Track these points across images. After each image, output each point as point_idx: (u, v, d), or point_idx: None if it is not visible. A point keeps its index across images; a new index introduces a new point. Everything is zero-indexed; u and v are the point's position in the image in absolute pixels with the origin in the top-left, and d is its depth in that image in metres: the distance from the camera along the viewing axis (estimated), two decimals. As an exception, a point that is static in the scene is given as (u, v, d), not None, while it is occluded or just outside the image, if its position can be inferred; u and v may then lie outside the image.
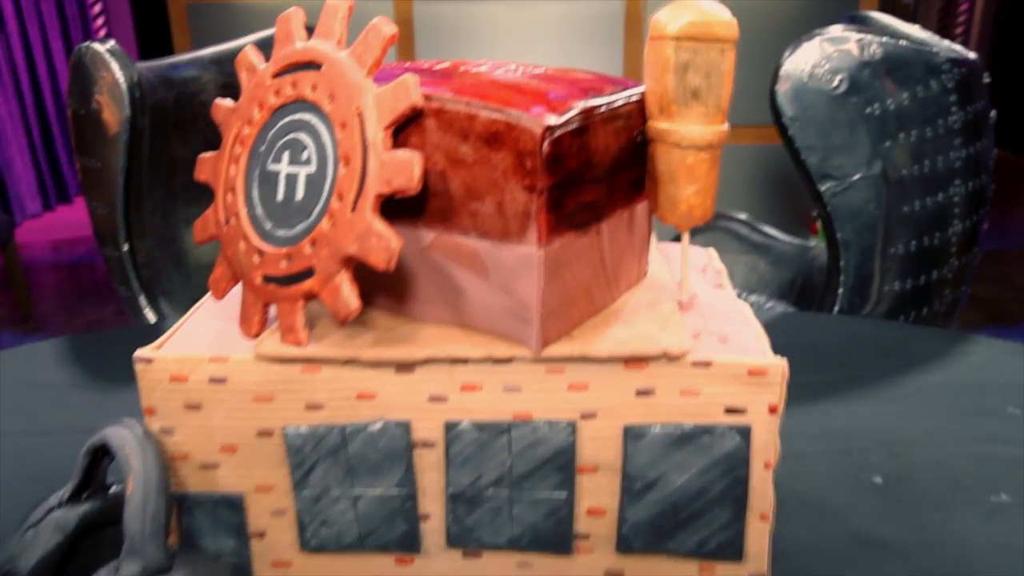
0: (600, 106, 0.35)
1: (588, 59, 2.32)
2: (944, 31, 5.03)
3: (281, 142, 0.38)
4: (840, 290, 0.93)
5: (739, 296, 0.49)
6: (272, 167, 0.38)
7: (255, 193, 0.39)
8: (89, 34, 3.47)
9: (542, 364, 0.35)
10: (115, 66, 0.85)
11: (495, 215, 0.34)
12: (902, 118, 0.87)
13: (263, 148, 0.39)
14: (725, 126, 0.36)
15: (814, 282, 1.27)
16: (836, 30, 0.85)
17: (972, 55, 0.96)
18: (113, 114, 0.87)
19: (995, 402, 0.60)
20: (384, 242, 0.33)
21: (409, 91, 0.34)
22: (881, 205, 0.89)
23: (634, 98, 0.37)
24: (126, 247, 0.93)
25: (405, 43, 2.34)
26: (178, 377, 0.37)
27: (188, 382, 0.37)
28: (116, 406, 0.49)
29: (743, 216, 1.39)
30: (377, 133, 0.34)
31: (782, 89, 0.85)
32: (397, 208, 0.35)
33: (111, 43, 0.86)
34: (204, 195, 0.41)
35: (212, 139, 0.40)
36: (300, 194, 0.37)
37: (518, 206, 0.33)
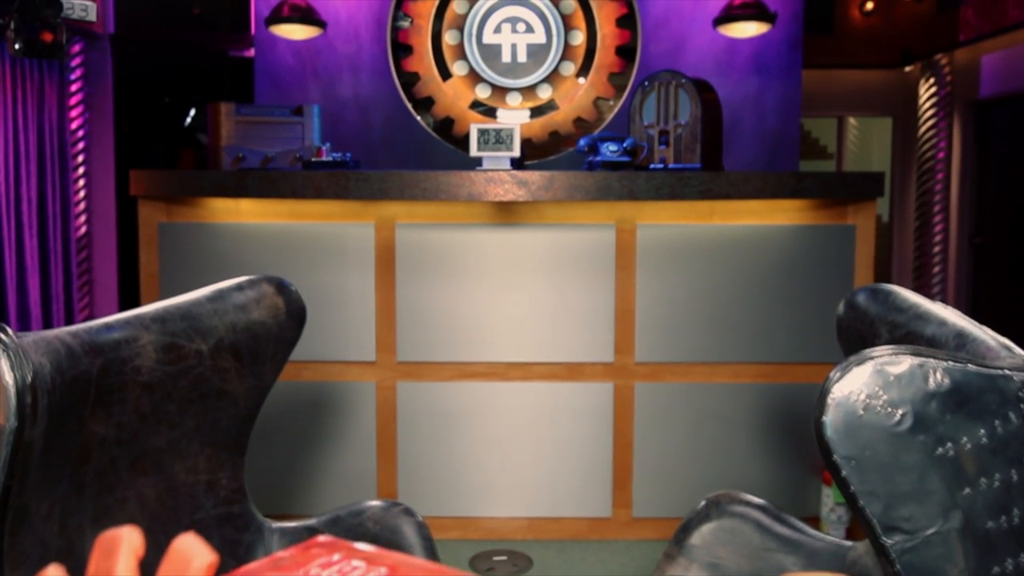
0: None
1: (578, 287, 2.22)
2: (922, 250, 5.15)
3: None
4: (918, 672, 0.71)
5: None
6: None
7: None
8: (69, 242, 3.41)
9: None
10: (4, 365, 0.68)
11: None
12: (981, 459, 0.71)
13: None
14: None
15: (855, 596, 1.05)
16: (886, 352, 0.71)
17: (1039, 368, 0.81)
18: (-5, 422, 0.69)
19: None
20: None
21: None
22: (963, 565, 0.70)
23: None
24: (-10, 583, 0.71)
25: (386, 268, 2.25)
26: None
27: None
28: None
29: (760, 502, 1.19)
30: None
31: (831, 420, 0.69)
32: None
33: (7, 335, 0.70)
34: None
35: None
36: None
37: None
